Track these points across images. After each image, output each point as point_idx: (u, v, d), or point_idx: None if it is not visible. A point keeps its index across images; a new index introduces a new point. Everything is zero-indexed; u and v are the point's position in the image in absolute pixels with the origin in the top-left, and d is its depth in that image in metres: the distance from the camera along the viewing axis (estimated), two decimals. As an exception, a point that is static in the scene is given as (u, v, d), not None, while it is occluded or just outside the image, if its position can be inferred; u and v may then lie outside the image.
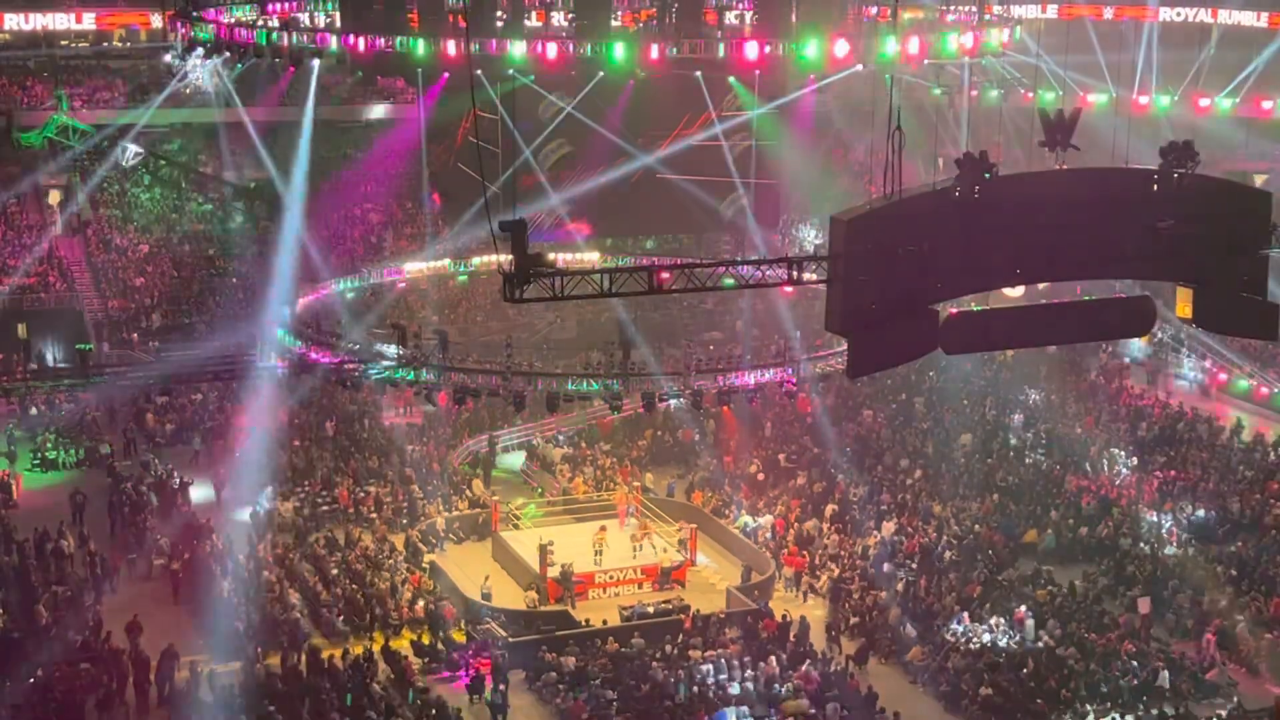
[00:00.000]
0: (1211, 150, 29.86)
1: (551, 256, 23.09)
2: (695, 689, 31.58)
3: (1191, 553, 38.89)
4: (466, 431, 47.33)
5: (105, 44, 68.61)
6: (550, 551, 37.36)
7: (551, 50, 41.36)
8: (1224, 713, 31.75)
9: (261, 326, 43.46)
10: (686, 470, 45.78)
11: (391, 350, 38.14)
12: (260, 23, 48.33)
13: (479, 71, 41.50)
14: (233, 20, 47.83)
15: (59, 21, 66.51)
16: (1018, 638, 34.41)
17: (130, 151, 58.79)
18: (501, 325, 53.80)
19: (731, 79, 46.73)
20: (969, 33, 45.03)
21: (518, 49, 41.10)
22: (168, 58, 61.67)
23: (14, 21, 65.49)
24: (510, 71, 42.58)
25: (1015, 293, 32.93)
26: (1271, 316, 23.65)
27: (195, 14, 48.68)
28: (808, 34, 41.79)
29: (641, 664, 32.73)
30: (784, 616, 35.19)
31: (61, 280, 55.24)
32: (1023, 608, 35.34)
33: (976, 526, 39.96)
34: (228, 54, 47.35)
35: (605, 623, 35.45)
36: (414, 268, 50.68)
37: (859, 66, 43.69)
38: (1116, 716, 31.44)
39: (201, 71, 57.93)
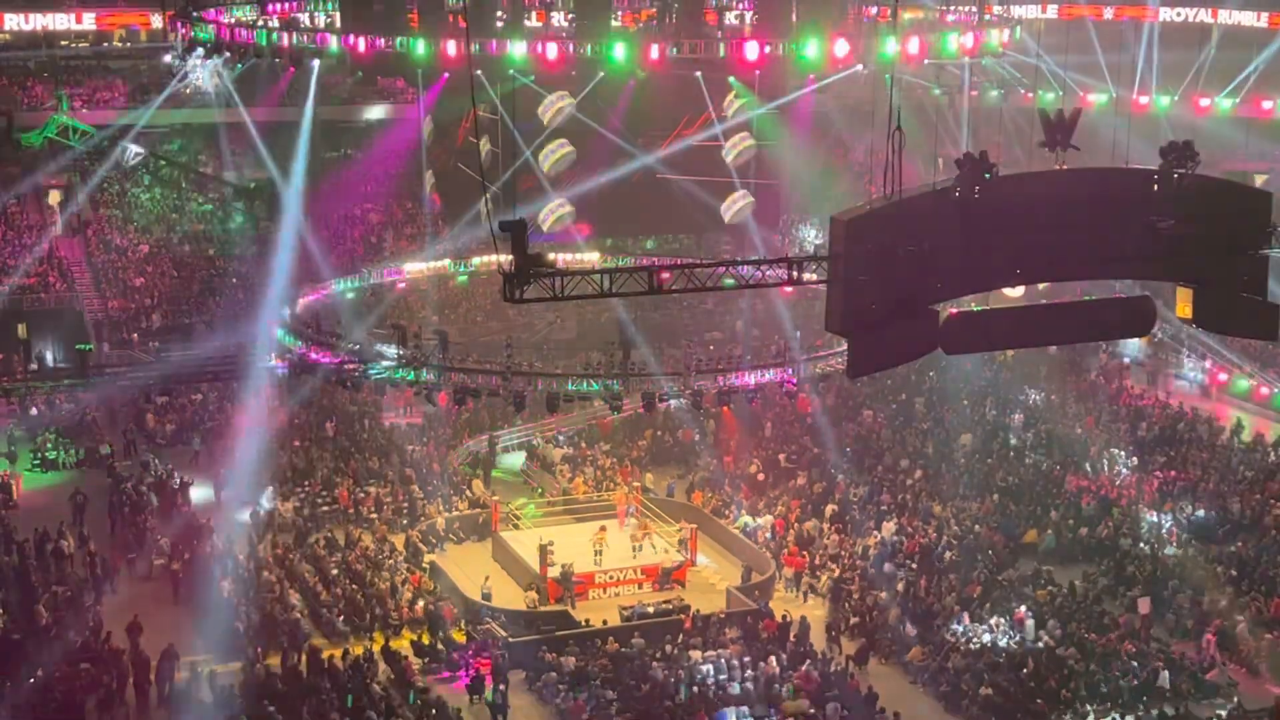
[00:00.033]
0: (1211, 150, 29.81)
1: (551, 256, 23.08)
2: (695, 689, 31.58)
3: (1191, 553, 38.87)
4: (466, 432, 47.33)
5: (105, 44, 68.60)
6: (550, 552, 37.37)
7: (551, 50, 41.40)
8: (1224, 713, 31.75)
9: (261, 326, 43.46)
10: (686, 470, 45.78)
11: (391, 350, 38.14)
12: (260, 23, 48.38)
13: (479, 71, 41.53)
14: (233, 20, 47.88)
15: (59, 21, 66.49)
16: (1018, 638, 34.42)
17: (131, 151, 58.78)
18: (501, 325, 53.80)
19: (731, 79, 46.72)
20: (969, 33, 45.10)
21: (518, 49, 41.16)
22: (168, 58, 61.70)
23: (14, 21, 65.48)
24: (510, 71, 42.59)
25: (1015, 293, 32.90)
26: (1271, 316, 23.60)
27: (195, 14, 48.76)
28: (808, 34, 41.87)
29: (641, 664, 32.73)
30: (784, 617, 35.20)
31: (61, 280, 55.23)
32: (1023, 608, 35.35)
33: (976, 527, 39.96)
34: (228, 54, 47.39)
35: (605, 623, 35.46)
36: (414, 268, 50.66)
37: (859, 67, 43.73)
38: (1116, 716, 31.46)
39: (201, 72, 57.94)
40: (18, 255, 55.61)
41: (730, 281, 26.74)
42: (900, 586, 36.75)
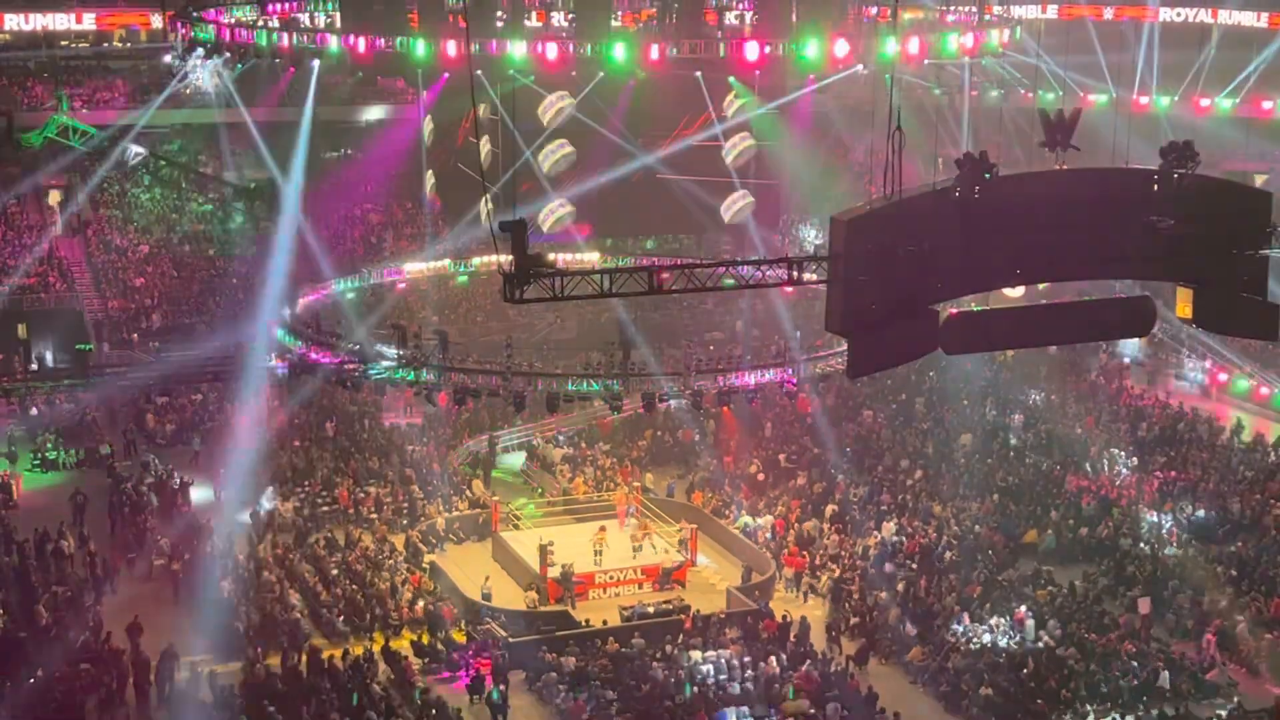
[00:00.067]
0: (1211, 150, 29.78)
1: (551, 257, 23.11)
2: (695, 689, 31.58)
3: (1191, 553, 38.86)
4: (466, 432, 47.32)
5: (105, 44, 68.60)
6: (550, 552, 37.36)
7: (551, 50, 41.42)
8: (1224, 713, 31.75)
9: (261, 326, 43.46)
10: (686, 470, 45.77)
11: (392, 351, 38.14)
12: (260, 23, 48.40)
13: (479, 72, 41.53)
14: (233, 21, 47.90)
15: (59, 22, 66.51)
16: (1018, 638, 34.42)
17: (132, 152, 58.79)
18: (501, 325, 53.76)
19: (731, 79, 46.72)
20: (969, 33, 45.12)
21: (518, 49, 41.16)
22: (168, 58, 61.72)
23: (14, 22, 65.50)
24: (510, 72, 42.59)
25: (1015, 293, 32.91)
26: (1271, 316, 23.59)
27: (195, 14, 48.77)
28: (808, 34, 41.89)
29: (641, 664, 32.72)
30: (784, 617, 35.19)
31: (61, 280, 55.23)
32: (1023, 608, 35.35)
33: (977, 527, 39.95)
34: (228, 54, 47.41)
35: (605, 623, 35.45)
36: (414, 268, 50.67)
37: (859, 67, 43.73)
38: (1116, 717, 31.45)
39: (202, 72, 57.94)
40: (18, 255, 55.62)
41: (730, 281, 26.76)
42: (900, 587, 36.74)
